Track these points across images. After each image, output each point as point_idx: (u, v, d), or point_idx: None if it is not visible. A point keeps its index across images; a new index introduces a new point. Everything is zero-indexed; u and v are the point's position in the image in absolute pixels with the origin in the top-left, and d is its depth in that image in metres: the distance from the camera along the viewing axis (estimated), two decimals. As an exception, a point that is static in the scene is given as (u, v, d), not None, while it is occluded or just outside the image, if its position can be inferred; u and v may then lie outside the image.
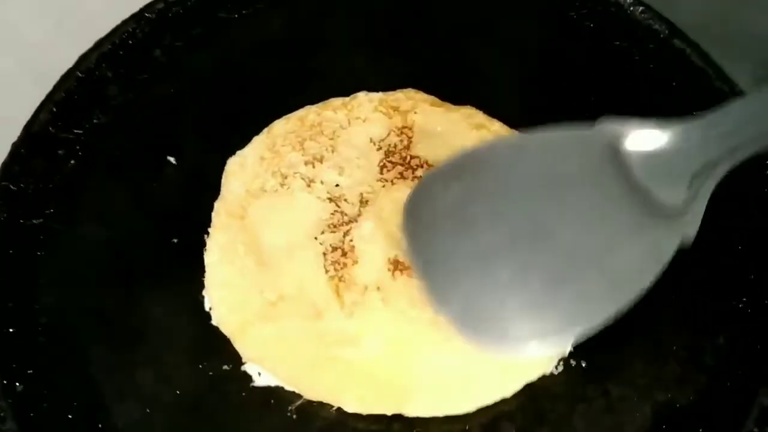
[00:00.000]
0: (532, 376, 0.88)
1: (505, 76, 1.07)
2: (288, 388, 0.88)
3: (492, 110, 1.05)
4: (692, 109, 0.97)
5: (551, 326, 0.69)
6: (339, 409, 0.87)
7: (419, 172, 0.99)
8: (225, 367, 0.89)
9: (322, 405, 0.87)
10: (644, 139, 0.70)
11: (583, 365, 0.88)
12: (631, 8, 1.08)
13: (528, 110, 1.02)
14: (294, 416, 0.86)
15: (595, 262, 0.68)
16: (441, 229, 0.76)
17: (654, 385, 0.85)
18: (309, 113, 1.07)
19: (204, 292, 0.94)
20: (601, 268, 0.68)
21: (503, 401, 0.87)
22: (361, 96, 1.08)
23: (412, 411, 0.87)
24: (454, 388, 0.87)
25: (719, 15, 1.22)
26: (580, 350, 0.88)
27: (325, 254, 0.94)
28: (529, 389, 0.87)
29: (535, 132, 0.79)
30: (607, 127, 0.72)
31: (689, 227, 0.68)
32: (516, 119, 1.04)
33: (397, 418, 0.86)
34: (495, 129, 1.04)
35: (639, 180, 0.68)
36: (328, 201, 0.98)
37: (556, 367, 0.89)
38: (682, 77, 1.03)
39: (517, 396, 0.87)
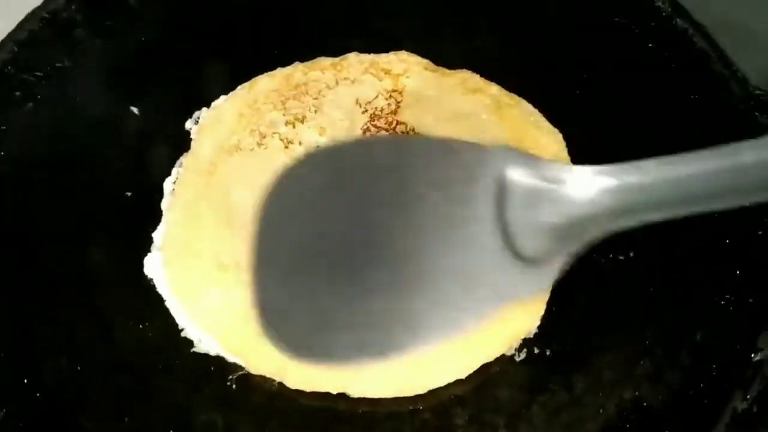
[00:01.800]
0: (489, 356, 0.81)
1: (503, 42, 1.02)
2: (230, 358, 0.82)
3: (490, 75, 0.99)
4: (687, 92, 0.95)
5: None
6: (281, 383, 0.80)
7: (404, 140, 0.93)
8: (166, 329, 0.83)
9: (263, 378, 0.81)
10: (525, 173, 0.61)
11: (548, 353, 0.81)
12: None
13: (525, 77, 0.98)
14: (233, 387, 0.80)
15: (433, 286, 0.58)
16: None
17: (622, 381, 0.78)
18: (296, 71, 1.01)
19: (155, 250, 0.89)
20: (437, 294, 0.59)
21: (458, 385, 0.79)
22: (352, 57, 1.02)
23: (357, 390, 0.80)
24: (404, 368, 0.80)
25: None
26: (545, 337, 0.81)
27: (293, 218, 0.89)
28: (487, 375, 0.80)
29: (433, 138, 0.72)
30: (503, 152, 0.64)
31: (541, 281, 0.59)
32: (515, 86, 0.98)
33: (343, 396, 0.79)
34: (493, 92, 0.98)
35: (509, 214, 0.60)
36: (304, 163, 0.93)
37: (518, 353, 0.81)
38: (682, 58, 0.96)
39: (472, 381, 0.79)
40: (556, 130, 0.96)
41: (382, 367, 0.80)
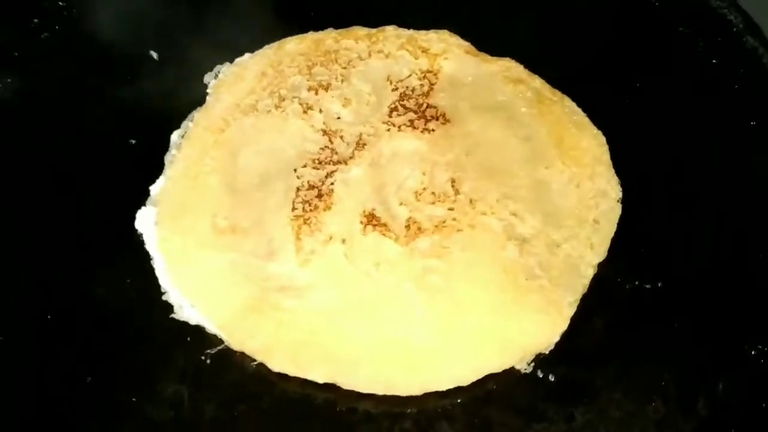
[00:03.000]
0: (498, 365, 0.74)
1: (557, 36, 0.95)
2: (211, 329, 0.76)
3: (535, 68, 0.92)
4: (747, 116, 0.87)
5: None
6: (261, 366, 0.74)
7: (432, 125, 0.86)
8: (148, 290, 0.78)
9: (243, 357, 0.75)
10: None
11: (551, 378, 0.74)
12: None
13: (575, 76, 0.91)
14: (208, 362, 0.74)
15: None
16: None
17: (627, 422, 0.70)
18: (327, 37, 0.95)
19: (150, 204, 0.83)
20: None
21: (453, 394, 0.73)
22: (390, 30, 0.95)
23: (348, 382, 0.73)
24: (402, 366, 0.74)
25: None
26: (552, 360, 0.74)
27: (298, 190, 0.82)
28: (484, 392, 0.73)
29: None
30: None
31: None
32: (558, 81, 0.91)
33: (328, 387, 0.73)
34: (536, 85, 0.91)
35: None
36: (321, 133, 0.86)
37: (530, 366, 0.74)
38: (747, 79, 0.88)
39: (468, 394, 0.73)
40: (600, 133, 0.88)
41: (379, 360, 0.74)
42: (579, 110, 0.90)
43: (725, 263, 0.78)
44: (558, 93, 0.91)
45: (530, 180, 0.84)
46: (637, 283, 0.79)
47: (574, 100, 0.90)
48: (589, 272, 0.80)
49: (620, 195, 0.84)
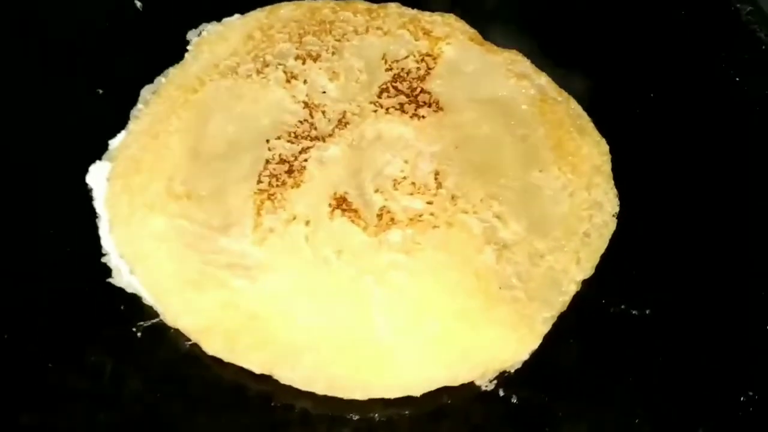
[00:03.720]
0: (456, 378, 0.67)
1: (569, 36, 0.88)
2: (147, 300, 0.70)
3: (541, 64, 0.85)
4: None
5: None
6: (195, 346, 0.67)
7: (423, 111, 0.79)
8: (87, 250, 0.71)
9: (177, 334, 0.68)
10: None
11: (513, 401, 0.66)
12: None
13: (583, 78, 0.84)
14: (138, 335, 0.67)
15: None
16: None
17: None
18: (325, 6, 0.88)
19: (106, 159, 0.77)
20: None
21: (402, 405, 0.65)
22: (393, 6, 0.89)
23: (286, 376, 0.66)
24: (349, 366, 0.67)
25: None
26: (516, 381, 0.67)
27: (267, 162, 0.75)
28: (437, 405, 0.66)
29: None
30: None
31: None
32: (563, 78, 0.84)
33: (264, 379, 0.66)
34: (541, 83, 0.83)
35: None
36: (302, 105, 0.79)
37: (491, 384, 0.67)
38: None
39: (420, 406, 0.65)
40: (604, 141, 0.80)
41: (324, 356, 0.67)
42: (584, 114, 0.83)
43: (723, 298, 0.70)
44: (564, 93, 0.84)
45: (520, 182, 0.77)
46: (623, 307, 0.71)
47: (582, 103, 0.82)
48: (572, 288, 0.72)
49: (617, 209, 0.77)
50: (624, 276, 0.73)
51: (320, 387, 0.66)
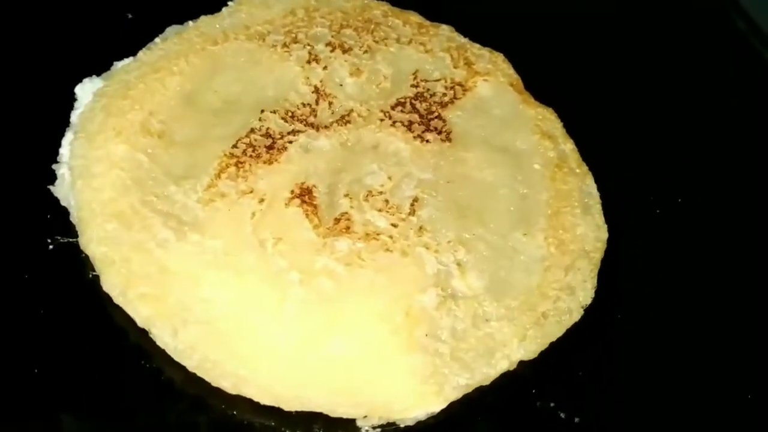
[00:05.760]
0: (330, 409, 0.60)
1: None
2: (73, 217, 0.67)
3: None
4: None
5: None
6: (98, 277, 0.64)
7: (429, 136, 0.74)
8: (44, 155, 0.70)
9: (86, 261, 0.65)
10: None
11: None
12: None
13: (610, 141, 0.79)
14: (50, 247, 0.65)
15: None
16: None
17: None
18: (378, 8, 0.85)
19: (103, 78, 0.75)
20: None
21: (268, 415, 0.59)
22: (446, 29, 0.85)
23: (164, 340, 0.61)
24: (230, 353, 0.61)
25: None
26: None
27: (252, 131, 0.71)
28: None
29: None
30: None
31: None
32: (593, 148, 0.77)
33: (146, 337, 0.62)
34: (564, 149, 0.77)
35: None
36: (311, 89, 0.76)
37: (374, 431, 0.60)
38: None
39: (294, 425, 0.59)
40: (605, 228, 0.72)
41: (209, 335, 0.62)
42: (596, 194, 0.75)
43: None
44: (584, 167, 0.76)
45: (499, 239, 0.70)
46: (552, 405, 0.63)
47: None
48: (503, 365, 0.64)
49: (588, 302, 0.68)
50: (567, 373, 0.65)
51: (191, 363, 0.61)
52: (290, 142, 0.72)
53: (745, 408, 0.64)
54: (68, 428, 0.58)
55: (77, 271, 0.65)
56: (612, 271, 0.70)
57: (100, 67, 0.76)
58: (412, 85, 0.79)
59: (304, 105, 0.75)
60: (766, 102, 0.84)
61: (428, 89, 0.79)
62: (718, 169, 0.79)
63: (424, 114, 0.77)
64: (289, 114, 0.74)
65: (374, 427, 0.60)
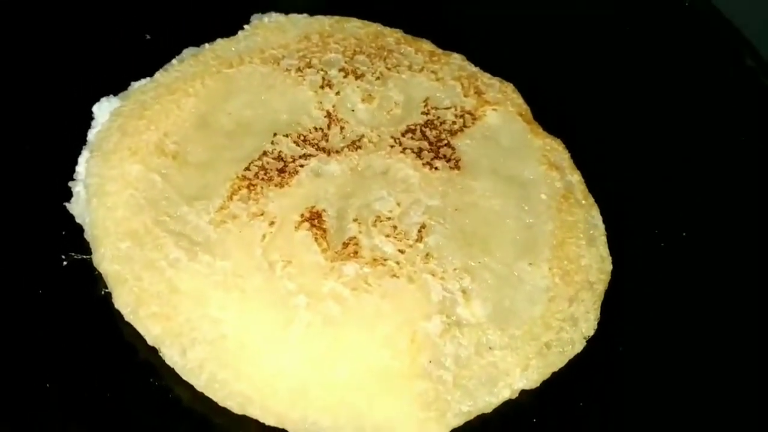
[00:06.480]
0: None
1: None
2: (87, 234, 0.69)
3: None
4: None
5: None
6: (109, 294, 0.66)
7: (438, 164, 0.75)
8: (61, 172, 0.72)
9: (99, 278, 0.66)
10: None
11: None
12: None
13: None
14: (64, 263, 0.67)
15: None
16: None
17: None
18: (390, 35, 0.87)
19: (119, 99, 0.77)
20: None
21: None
22: (457, 58, 0.86)
23: (173, 359, 0.63)
24: (237, 374, 0.62)
25: None
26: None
27: (264, 154, 0.73)
28: None
29: None
30: None
31: None
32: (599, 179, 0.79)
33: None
34: (571, 180, 0.78)
35: None
36: (324, 114, 0.77)
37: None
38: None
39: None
40: (609, 260, 0.74)
41: (217, 355, 0.63)
42: (602, 226, 0.76)
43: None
44: (590, 199, 0.78)
45: (504, 268, 0.71)
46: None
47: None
48: (505, 393, 0.65)
49: (591, 333, 0.69)
50: (568, 403, 0.65)
51: (198, 382, 0.62)
52: (301, 165, 0.74)
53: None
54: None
55: (90, 287, 0.67)
56: (615, 303, 0.71)
57: (117, 86, 0.78)
58: (423, 113, 0.80)
59: (316, 129, 0.77)
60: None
61: (438, 117, 0.80)
62: (722, 205, 0.80)
63: (433, 141, 0.78)
64: (301, 138, 0.76)
65: (372, 452, 0.61)
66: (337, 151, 0.75)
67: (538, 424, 0.64)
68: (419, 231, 0.71)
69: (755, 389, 0.67)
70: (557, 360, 0.67)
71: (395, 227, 0.71)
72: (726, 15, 0.93)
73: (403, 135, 0.78)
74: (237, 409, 0.61)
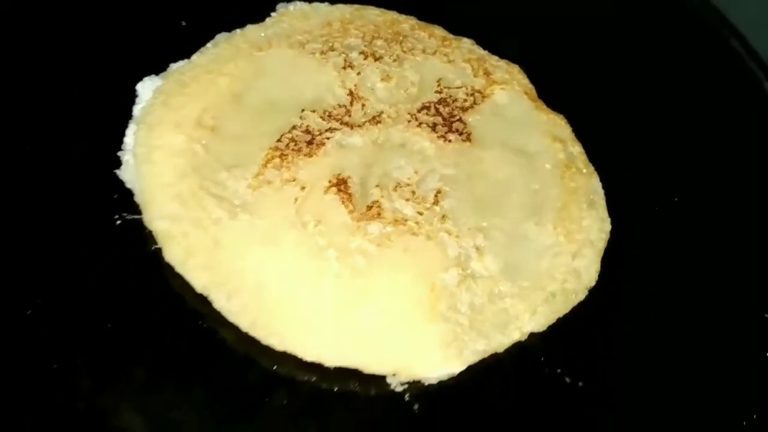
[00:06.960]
0: (364, 366, 0.69)
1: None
2: (138, 197, 0.76)
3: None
4: None
5: None
6: (159, 250, 0.73)
7: (452, 137, 0.82)
8: (112, 143, 0.80)
9: (150, 236, 0.74)
10: None
11: (415, 409, 0.67)
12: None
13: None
14: (117, 222, 0.74)
15: None
16: None
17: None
18: (406, 22, 0.94)
19: (160, 77, 0.84)
20: None
21: (312, 371, 0.68)
22: (467, 42, 0.93)
23: (221, 303, 0.70)
24: (278, 315, 0.70)
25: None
26: (427, 396, 0.68)
27: (294, 128, 0.80)
28: (348, 393, 0.68)
29: None
30: None
31: None
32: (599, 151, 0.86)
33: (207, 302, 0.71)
34: (573, 151, 0.85)
35: None
36: (347, 92, 0.84)
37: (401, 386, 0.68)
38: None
39: (333, 382, 0.68)
40: (608, 221, 0.81)
41: (259, 299, 0.71)
42: (601, 192, 0.83)
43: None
44: (591, 168, 0.85)
45: (513, 228, 0.78)
46: (558, 371, 0.71)
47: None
48: (515, 335, 0.72)
49: (593, 284, 0.77)
50: (572, 344, 0.73)
51: (244, 323, 0.70)
52: (327, 138, 0.81)
53: (745, 373, 0.73)
54: (137, 376, 0.67)
55: (141, 244, 0.74)
56: (614, 258, 0.78)
57: (158, 67, 0.85)
58: (436, 91, 0.87)
59: (339, 106, 0.84)
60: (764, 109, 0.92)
61: (450, 95, 0.87)
62: (711, 172, 0.87)
63: (446, 117, 0.85)
64: (327, 113, 0.83)
65: (402, 384, 0.68)
66: (359, 126, 0.82)
67: (545, 362, 0.71)
68: (435, 195, 0.78)
69: (743, 324, 0.75)
70: (562, 307, 0.75)
71: (414, 192, 0.78)
72: (726, 15, 0.99)
73: (418, 111, 0.85)
74: (278, 346, 0.69)
